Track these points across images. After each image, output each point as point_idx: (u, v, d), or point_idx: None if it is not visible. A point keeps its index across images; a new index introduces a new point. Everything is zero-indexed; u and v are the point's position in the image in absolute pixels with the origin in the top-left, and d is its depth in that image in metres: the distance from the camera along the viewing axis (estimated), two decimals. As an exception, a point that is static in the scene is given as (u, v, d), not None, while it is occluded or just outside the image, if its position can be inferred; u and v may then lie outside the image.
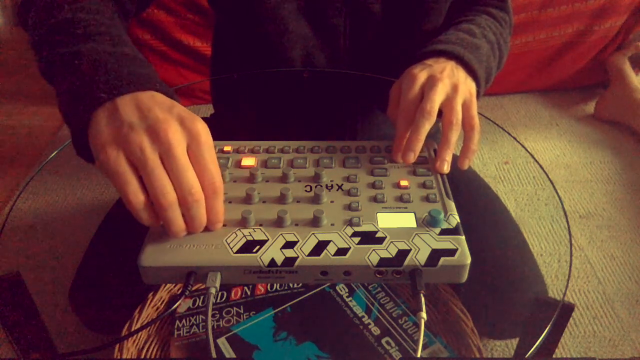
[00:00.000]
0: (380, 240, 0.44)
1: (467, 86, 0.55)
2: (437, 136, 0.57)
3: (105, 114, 0.42)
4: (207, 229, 0.44)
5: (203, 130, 0.42)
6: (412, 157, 0.52)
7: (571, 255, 0.68)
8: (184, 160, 0.40)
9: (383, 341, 0.61)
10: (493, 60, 0.63)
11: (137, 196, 0.40)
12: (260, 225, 0.45)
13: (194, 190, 0.40)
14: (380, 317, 0.64)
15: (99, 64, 0.44)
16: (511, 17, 0.71)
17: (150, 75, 0.46)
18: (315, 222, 0.45)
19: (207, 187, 0.41)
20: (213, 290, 0.41)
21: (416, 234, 0.44)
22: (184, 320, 0.65)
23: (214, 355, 0.40)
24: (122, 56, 0.46)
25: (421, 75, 0.54)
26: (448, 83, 0.53)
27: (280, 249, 0.43)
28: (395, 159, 0.53)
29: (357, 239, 0.44)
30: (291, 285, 0.68)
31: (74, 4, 0.50)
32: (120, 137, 0.40)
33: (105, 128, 0.41)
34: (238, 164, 0.53)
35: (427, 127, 0.52)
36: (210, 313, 0.41)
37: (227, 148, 0.55)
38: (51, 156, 0.74)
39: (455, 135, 0.53)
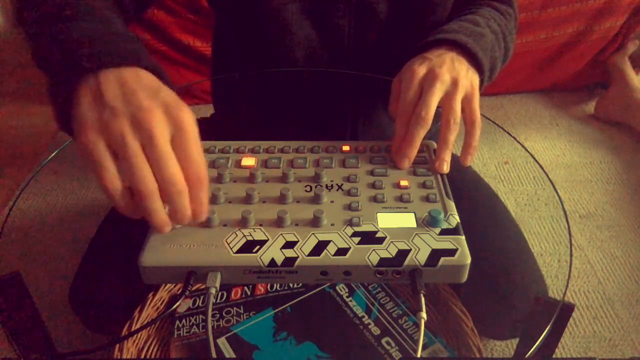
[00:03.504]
0: (380, 240, 0.44)
1: (468, 79, 0.54)
2: (438, 135, 0.57)
3: (87, 93, 0.41)
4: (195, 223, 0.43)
5: (188, 120, 0.40)
6: (407, 163, 0.52)
7: (571, 255, 0.67)
8: (165, 149, 0.39)
9: (383, 341, 0.61)
10: (498, 51, 0.61)
11: (113, 182, 0.39)
12: (260, 225, 0.45)
13: (176, 179, 0.39)
14: (380, 317, 0.64)
15: (84, 39, 0.43)
16: (515, 11, 0.70)
17: (137, 50, 0.44)
18: (315, 222, 0.45)
19: (191, 178, 0.40)
20: (213, 290, 0.41)
21: (416, 234, 0.44)
22: (184, 320, 0.65)
23: (214, 355, 0.40)
24: (109, 33, 0.45)
25: (420, 70, 0.53)
26: (447, 78, 0.52)
27: (280, 249, 0.43)
28: (394, 159, 0.53)
29: (357, 239, 0.44)
30: (291, 285, 0.68)
31: None
32: (101, 122, 0.39)
33: (87, 111, 0.40)
34: (238, 164, 0.53)
35: (421, 133, 0.51)
36: (210, 313, 0.41)
37: (227, 148, 0.55)
38: (51, 156, 0.74)
39: (453, 135, 0.52)
